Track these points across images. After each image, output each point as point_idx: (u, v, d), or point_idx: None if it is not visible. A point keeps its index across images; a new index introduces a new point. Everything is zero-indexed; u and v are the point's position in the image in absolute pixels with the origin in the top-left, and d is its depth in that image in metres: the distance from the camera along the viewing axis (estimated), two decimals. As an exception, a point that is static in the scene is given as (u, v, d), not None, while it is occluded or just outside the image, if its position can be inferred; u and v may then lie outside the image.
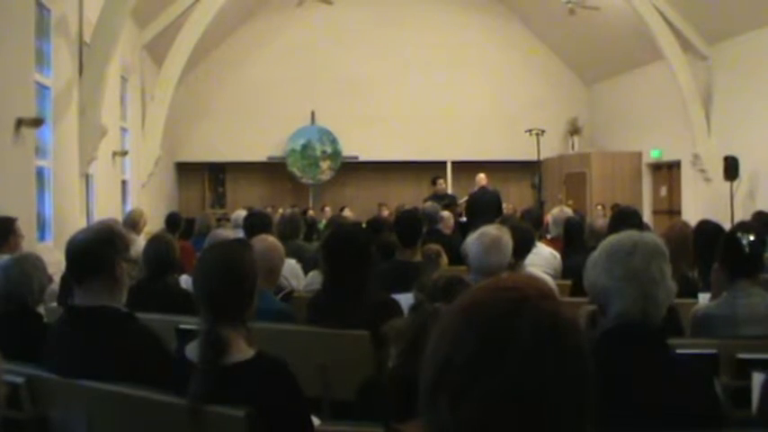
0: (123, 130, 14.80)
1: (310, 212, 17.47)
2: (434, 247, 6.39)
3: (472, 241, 4.87)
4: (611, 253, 2.81)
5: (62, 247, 9.34)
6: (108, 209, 12.38)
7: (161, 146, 16.49)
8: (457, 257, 6.29)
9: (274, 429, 2.87)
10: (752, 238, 4.32)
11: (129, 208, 13.53)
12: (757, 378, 2.94)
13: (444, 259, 6.26)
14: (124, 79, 14.75)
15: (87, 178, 11.46)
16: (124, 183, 14.87)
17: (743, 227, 4.86)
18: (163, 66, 16.36)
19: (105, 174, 12.77)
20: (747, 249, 4.27)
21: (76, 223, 10.43)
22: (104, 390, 3.18)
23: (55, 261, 7.31)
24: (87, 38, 11.01)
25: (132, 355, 3.31)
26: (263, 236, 5.46)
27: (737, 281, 4.28)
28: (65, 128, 10.31)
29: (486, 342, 1.26)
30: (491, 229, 4.96)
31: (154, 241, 5.77)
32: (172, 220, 10.82)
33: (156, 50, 16.56)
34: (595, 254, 2.86)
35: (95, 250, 3.48)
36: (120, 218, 10.87)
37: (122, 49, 12.76)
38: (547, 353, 1.25)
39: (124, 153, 14.16)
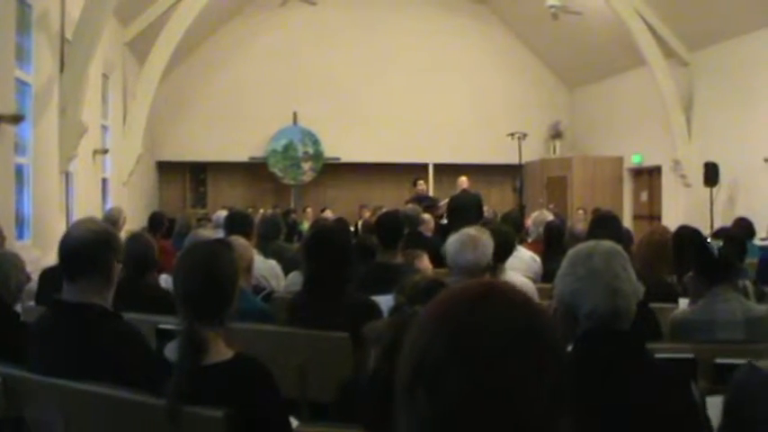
0: (104, 128, 14.73)
1: (293, 215, 17.42)
2: (415, 251, 6.38)
3: (451, 240, 4.90)
4: (573, 259, 2.88)
5: (41, 246, 9.31)
6: (88, 207, 12.30)
7: (142, 144, 16.39)
8: (438, 260, 6.30)
9: (253, 430, 2.86)
10: (721, 243, 4.38)
11: (109, 206, 13.45)
12: (712, 402, 2.96)
13: (424, 261, 6.25)
14: (106, 77, 14.69)
15: (67, 176, 11.39)
16: (104, 181, 14.78)
17: (722, 233, 4.91)
18: (145, 64, 16.27)
19: (85, 172, 12.69)
20: (717, 255, 4.32)
21: (56, 222, 10.38)
22: (82, 389, 3.17)
23: (33, 259, 7.28)
24: (69, 34, 10.94)
25: (117, 354, 3.30)
26: (233, 236, 5.47)
27: (715, 286, 4.32)
28: (45, 125, 10.25)
29: (461, 329, 1.30)
30: (470, 230, 4.99)
31: (132, 240, 5.73)
32: (155, 220, 10.78)
33: (139, 48, 16.49)
34: (560, 269, 2.91)
35: (95, 250, 3.47)
36: (99, 216, 10.80)
37: (104, 46, 12.69)
38: (518, 336, 1.29)
39: (105, 151, 14.09)
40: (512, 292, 1.37)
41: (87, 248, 3.45)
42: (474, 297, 1.35)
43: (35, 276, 6.11)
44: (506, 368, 1.27)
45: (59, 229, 9.36)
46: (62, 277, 3.53)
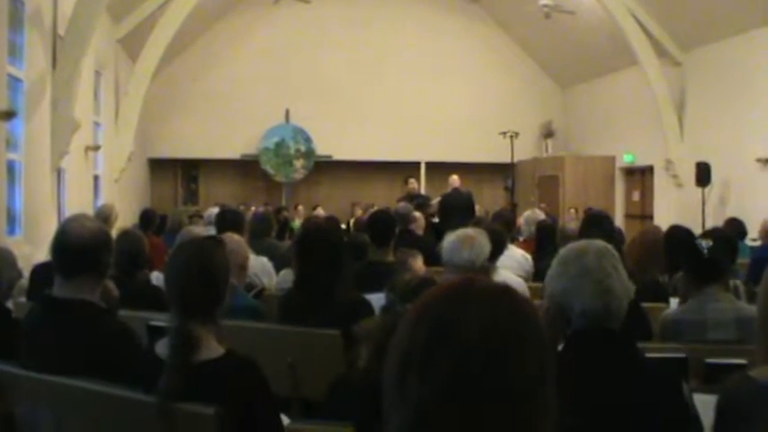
0: (96, 124, 14.70)
1: (285, 213, 17.40)
2: (410, 250, 6.36)
3: (448, 240, 4.93)
4: (564, 258, 2.89)
5: (32, 242, 9.26)
6: (79, 204, 12.27)
7: (134, 141, 16.38)
8: (429, 258, 6.29)
9: (243, 428, 2.86)
10: (711, 243, 4.39)
11: (100, 203, 13.42)
12: (702, 401, 2.95)
13: (419, 262, 6.24)
14: (98, 73, 14.65)
15: (59, 173, 11.36)
16: (96, 178, 14.75)
17: (711, 233, 4.93)
18: (137, 61, 16.25)
19: (77, 168, 12.67)
20: (707, 255, 4.33)
21: (47, 218, 10.35)
22: (73, 386, 3.16)
23: (25, 255, 7.25)
24: (61, 31, 10.91)
25: (109, 351, 3.30)
26: (228, 234, 5.46)
27: (706, 286, 4.33)
28: (37, 121, 10.22)
29: (446, 314, 1.35)
30: (468, 230, 5.06)
31: (123, 237, 5.72)
32: (146, 217, 10.75)
33: (131, 45, 16.46)
34: (551, 268, 2.92)
35: (94, 250, 3.47)
36: (91, 213, 10.77)
37: (97, 42, 12.65)
38: (503, 320, 1.34)
39: (97, 148, 14.05)
40: (493, 283, 1.43)
41: (87, 249, 3.45)
42: (458, 287, 1.41)
43: (26, 273, 6.08)
44: (489, 352, 1.31)
45: (51, 226, 9.34)
46: (53, 273, 3.52)
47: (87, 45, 11.10)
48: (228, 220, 7.34)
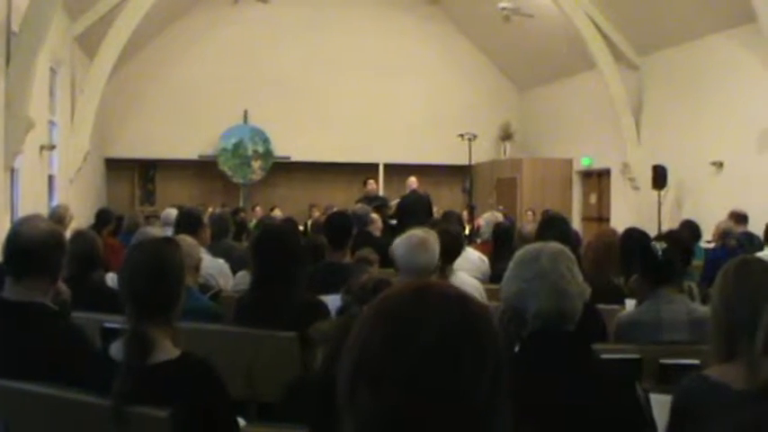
0: (51, 123, 14.51)
1: (242, 214, 17.30)
2: (369, 256, 6.35)
3: (399, 242, 4.88)
4: (519, 261, 2.92)
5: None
6: (33, 204, 12.11)
7: (90, 141, 16.19)
8: (386, 260, 6.29)
9: (199, 430, 2.84)
10: (665, 245, 4.45)
11: (55, 203, 13.26)
12: (656, 400, 2.99)
13: (376, 267, 6.24)
14: (53, 71, 14.47)
15: (12, 172, 11.21)
16: (51, 178, 14.56)
17: (664, 237, 4.99)
18: (95, 59, 16.08)
19: (31, 168, 12.51)
20: (661, 257, 4.38)
21: (0, 219, 10.21)
22: (24, 390, 3.11)
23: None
24: (15, 27, 10.76)
25: (61, 353, 3.26)
26: (181, 236, 5.42)
27: (659, 288, 4.38)
28: (-11, 120, 10.09)
29: (399, 322, 1.35)
30: (418, 231, 4.99)
31: (77, 237, 5.65)
32: (102, 217, 10.63)
33: (88, 43, 16.28)
34: (507, 269, 2.93)
35: (47, 250, 3.44)
36: (45, 214, 10.64)
37: (52, 39, 12.49)
38: (453, 329, 1.34)
39: (52, 147, 13.87)
40: (446, 288, 1.43)
41: (40, 249, 3.42)
42: (410, 294, 1.40)
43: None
44: (443, 360, 1.31)
45: (3, 227, 9.21)
46: (5, 275, 3.48)
47: (42, 42, 10.96)
48: (186, 221, 7.28)
